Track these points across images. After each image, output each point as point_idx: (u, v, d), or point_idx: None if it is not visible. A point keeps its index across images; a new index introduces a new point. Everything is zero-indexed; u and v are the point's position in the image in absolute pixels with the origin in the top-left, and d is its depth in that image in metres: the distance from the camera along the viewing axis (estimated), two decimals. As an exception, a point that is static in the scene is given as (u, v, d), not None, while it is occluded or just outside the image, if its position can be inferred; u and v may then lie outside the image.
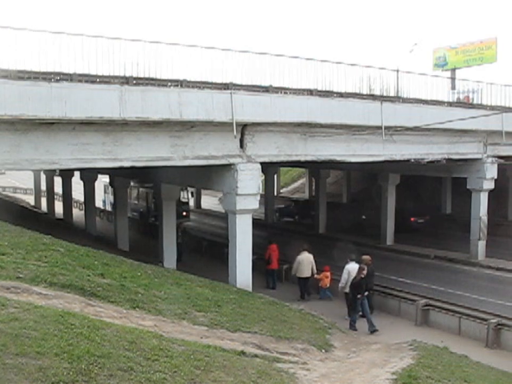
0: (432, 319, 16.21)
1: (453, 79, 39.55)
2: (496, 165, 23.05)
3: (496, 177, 23.25)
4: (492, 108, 22.67)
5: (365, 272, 15.61)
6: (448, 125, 18.10)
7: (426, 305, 16.22)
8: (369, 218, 30.11)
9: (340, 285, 16.69)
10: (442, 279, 21.00)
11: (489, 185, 22.89)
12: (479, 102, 25.01)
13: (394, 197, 26.77)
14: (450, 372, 9.26)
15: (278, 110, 16.25)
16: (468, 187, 23.25)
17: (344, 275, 16.40)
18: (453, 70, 55.24)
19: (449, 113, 19.72)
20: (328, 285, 18.74)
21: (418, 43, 66.02)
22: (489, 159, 22.83)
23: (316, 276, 18.83)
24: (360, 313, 15.94)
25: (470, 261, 23.38)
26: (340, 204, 37.92)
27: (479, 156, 22.72)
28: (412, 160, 20.60)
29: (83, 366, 6.18)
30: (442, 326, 15.86)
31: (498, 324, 14.44)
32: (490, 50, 52.66)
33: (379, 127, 18.09)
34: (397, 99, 20.01)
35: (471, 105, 23.70)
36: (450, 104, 22.42)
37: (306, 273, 18.68)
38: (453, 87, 35.68)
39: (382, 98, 19.15)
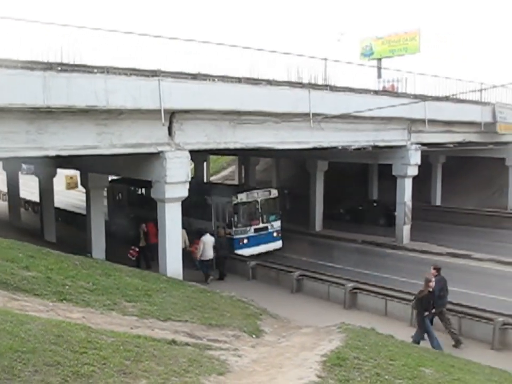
0: (360, 302, 16.67)
1: (379, 68, 40.53)
2: (419, 152, 23.84)
3: (419, 163, 24.04)
4: (415, 96, 23.38)
5: (432, 284, 12.85)
6: (374, 113, 18.57)
7: (354, 289, 16.65)
8: (298, 205, 30.50)
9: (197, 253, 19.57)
10: (369, 262, 21.65)
11: (413, 171, 23.66)
12: (404, 91, 25.77)
13: (323, 184, 27.22)
14: (376, 351, 9.52)
15: (207, 98, 16.14)
16: (393, 173, 23.94)
17: (200, 245, 19.57)
18: (379, 59, 56.59)
19: (375, 101, 20.17)
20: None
21: (345, 32, 67.13)
22: (413, 146, 23.59)
23: (188, 248, 20.12)
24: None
25: (395, 244, 24.16)
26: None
27: (403, 143, 23.43)
28: (339, 147, 21.02)
29: (6, 363, 5.99)
30: (370, 308, 16.31)
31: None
32: (414, 42, 54.19)
33: (307, 115, 18.32)
34: (324, 87, 20.28)
35: (395, 94, 24.35)
36: (376, 92, 22.95)
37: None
38: (379, 76, 36.59)
39: (310, 86, 19.37)
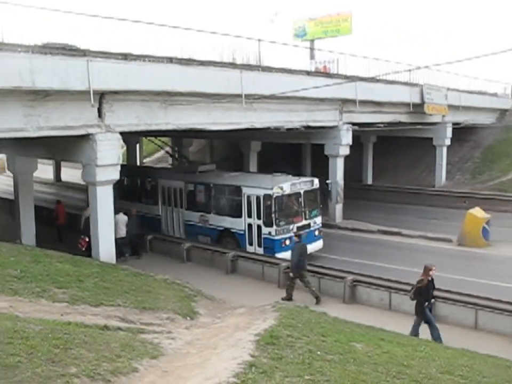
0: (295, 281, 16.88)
1: (311, 49, 40.85)
2: (351, 132, 24.27)
3: (351, 143, 24.48)
4: (347, 77, 23.71)
5: (432, 273, 12.51)
6: (306, 93, 18.73)
7: (288, 268, 16.83)
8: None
9: None
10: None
11: (345, 151, 24.09)
12: (337, 72, 26.10)
13: (256, 164, 27.36)
14: (309, 328, 9.70)
15: (137, 78, 15.81)
16: (325, 153, 24.29)
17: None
18: (312, 40, 57.03)
19: (307, 82, 20.31)
20: None
21: (278, 13, 67.14)
22: (345, 126, 23.98)
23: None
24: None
25: (328, 223, 24.59)
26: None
27: (335, 123, 23.78)
28: (272, 128, 21.11)
29: None
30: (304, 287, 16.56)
31: (354, 281, 15.40)
32: (346, 23, 54.92)
33: (239, 95, 18.26)
34: (256, 68, 20.26)
35: (327, 75, 24.62)
36: (308, 73, 23.13)
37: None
38: (312, 57, 36.93)
39: (242, 67, 19.31)
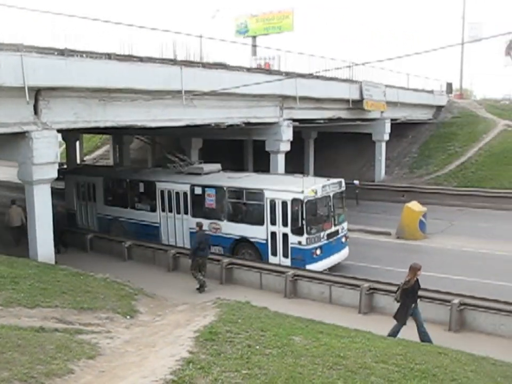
0: (236, 277, 16.99)
1: (254, 46, 41.00)
2: (291, 128, 24.48)
3: (291, 139, 24.71)
4: (287, 73, 23.91)
5: (419, 273, 11.89)
6: (246, 90, 18.78)
7: (230, 264, 16.94)
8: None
9: None
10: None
11: (286, 147, 24.29)
12: (278, 69, 26.28)
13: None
14: (249, 324, 9.78)
15: (75, 74, 15.49)
16: (266, 149, 24.45)
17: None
18: (254, 37, 57.23)
19: (247, 78, 20.42)
20: None
21: (220, 9, 67.07)
22: (285, 123, 24.16)
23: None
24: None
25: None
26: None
27: (275, 120, 23.94)
28: (213, 124, 21.10)
29: None
30: (246, 282, 16.70)
31: (294, 275, 15.60)
32: (288, 20, 55.43)
33: (179, 92, 18.17)
34: (197, 64, 20.19)
35: (268, 71, 24.77)
36: (248, 69, 23.21)
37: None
38: (254, 54, 37.09)
39: (183, 63, 19.18)
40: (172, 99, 18.37)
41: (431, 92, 40.77)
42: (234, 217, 18.57)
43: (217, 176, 20.17)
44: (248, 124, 22.75)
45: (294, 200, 16.67)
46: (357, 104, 28.65)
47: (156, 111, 18.65)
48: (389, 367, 8.14)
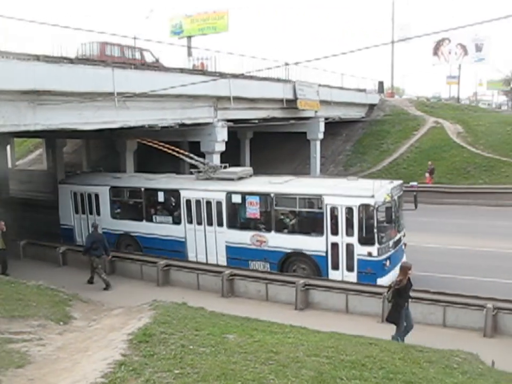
0: (174, 278, 17.01)
1: (189, 47, 40.89)
2: (226, 128, 24.57)
3: (226, 139, 24.81)
4: (221, 74, 23.99)
5: (410, 272, 11.50)
6: (180, 91, 18.75)
7: (166, 266, 16.90)
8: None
9: None
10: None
11: (221, 147, 24.36)
12: (213, 69, 26.30)
13: (133, 163, 26.93)
14: (184, 324, 9.85)
15: (1, 76, 15.09)
16: (201, 150, 24.44)
17: None
18: (189, 37, 57.10)
19: (181, 79, 20.33)
20: None
21: (154, 10, 66.61)
22: (220, 123, 24.22)
23: None
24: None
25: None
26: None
27: (210, 120, 23.95)
28: (146, 126, 20.94)
29: None
30: (183, 283, 16.74)
31: (231, 275, 15.72)
32: (223, 20, 55.62)
33: (111, 94, 17.95)
34: (129, 65, 20.02)
35: (202, 72, 24.78)
36: (182, 70, 23.14)
37: None
38: (190, 54, 36.99)
39: (114, 65, 18.98)
40: (104, 101, 18.12)
41: (364, 90, 41.81)
42: (285, 227, 16.51)
43: (257, 181, 18.21)
44: (183, 125, 22.69)
45: (363, 206, 14.83)
46: (291, 103, 28.99)
47: (88, 114, 18.33)
48: (320, 359, 8.36)
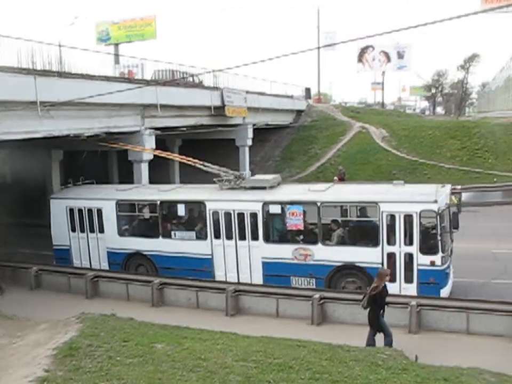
0: (103, 290, 16.70)
1: (116, 55, 40.32)
2: (154, 136, 24.39)
3: (154, 147, 24.61)
4: (148, 82, 23.80)
5: (387, 278, 11.55)
6: (106, 99, 18.49)
7: (95, 277, 16.60)
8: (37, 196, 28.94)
9: None
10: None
11: (149, 156, 24.13)
12: (142, 77, 26.03)
13: (59, 174, 26.34)
14: (111, 336, 9.74)
15: None
16: (129, 159, 24.15)
17: None
18: (116, 44, 56.33)
19: (107, 87, 20.00)
20: None
21: (79, 16, 65.26)
22: (147, 131, 24.02)
23: None
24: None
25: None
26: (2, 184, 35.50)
27: (137, 128, 23.68)
28: (71, 135, 20.49)
29: None
30: (113, 295, 16.45)
31: (161, 284, 15.60)
32: (150, 27, 55.23)
33: (34, 103, 17.49)
34: (53, 73, 19.51)
35: (128, 80, 24.49)
36: (107, 78, 22.78)
37: None
38: (117, 62, 36.50)
39: (36, 73, 18.47)
40: (26, 110, 17.62)
41: (291, 97, 42.46)
42: (334, 239, 15.21)
43: (294, 189, 17.26)
44: (110, 133, 22.36)
45: (425, 212, 13.95)
46: (219, 110, 29.10)
47: (9, 123, 17.73)
48: (248, 364, 8.47)
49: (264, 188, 16.51)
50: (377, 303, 11.21)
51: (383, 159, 35.11)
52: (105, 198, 18.33)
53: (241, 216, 15.96)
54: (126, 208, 18.32)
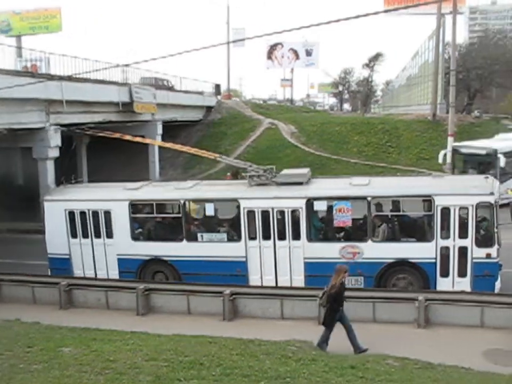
0: (7, 294, 15.97)
1: (18, 48, 38.57)
2: (59, 133, 23.63)
3: (60, 144, 23.87)
4: (52, 76, 23.01)
5: (346, 275, 11.33)
6: (8, 94, 17.76)
7: (-1, 281, 15.91)
8: None
9: None
10: (15, 252, 20.73)
11: (54, 153, 23.37)
12: (47, 71, 25.08)
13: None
14: (15, 342, 9.40)
15: None
16: (34, 156, 23.30)
17: None
18: (18, 36, 53.88)
19: (7, 81, 19.17)
20: None
21: (-27, 6, 61.81)
22: (52, 128, 23.24)
23: None
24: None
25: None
26: None
27: (41, 125, 22.86)
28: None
29: None
30: (19, 298, 15.69)
31: (69, 285, 15.17)
32: (55, 20, 53.29)
33: None
34: None
35: (30, 74, 23.52)
36: (7, 72, 21.80)
37: None
38: (20, 55, 34.91)
39: None
40: None
41: (201, 93, 42.38)
42: (385, 235, 14.53)
43: (336, 185, 16.10)
44: (12, 130, 21.43)
45: (482, 204, 13.69)
46: (128, 107, 28.65)
47: None
48: (159, 363, 8.42)
49: (301, 183, 15.39)
50: (336, 301, 11.03)
51: (291, 154, 35.74)
52: (115, 199, 16.34)
53: (281, 214, 14.91)
54: (142, 209, 16.59)
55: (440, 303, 12.83)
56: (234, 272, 15.08)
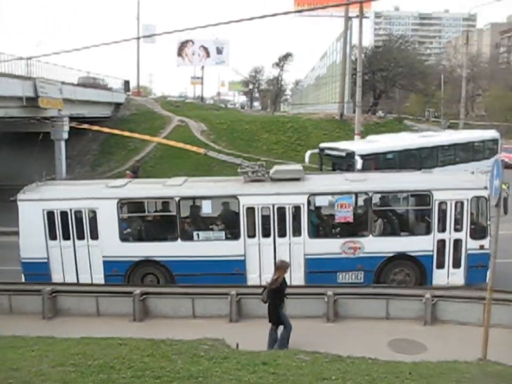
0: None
1: None
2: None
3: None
4: None
5: (287, 271, 11.46)
6: None
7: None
8: None
9: None
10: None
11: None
12: None
13: None
14: None
15: None
16: None
17: None
18: None
19: None
20: None
21: None
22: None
23: None
24: None
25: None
26: None
27: None
28: None
29: None
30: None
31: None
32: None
33: None
34: None
35: None
36: None
37: None
38: None
39: None
40: None
41: (110, 89, 41.49)
42: (385, 230, 14.93)
43: (334, 181, 16.06)
44: None
45: (476, 198, 14.35)
46: (33, 102, 27.49)
47: None
48: (67, 368, 8.16)
49: (298, 179, 15.45)
50: (277, 297, 11.09)
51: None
52: (101, 197, 15.28)
53: (281, 210, 14.67)
54: (131, 208, 15.81)
55: (349, 297, 13.29)
56: (232, 271, 14.73)
